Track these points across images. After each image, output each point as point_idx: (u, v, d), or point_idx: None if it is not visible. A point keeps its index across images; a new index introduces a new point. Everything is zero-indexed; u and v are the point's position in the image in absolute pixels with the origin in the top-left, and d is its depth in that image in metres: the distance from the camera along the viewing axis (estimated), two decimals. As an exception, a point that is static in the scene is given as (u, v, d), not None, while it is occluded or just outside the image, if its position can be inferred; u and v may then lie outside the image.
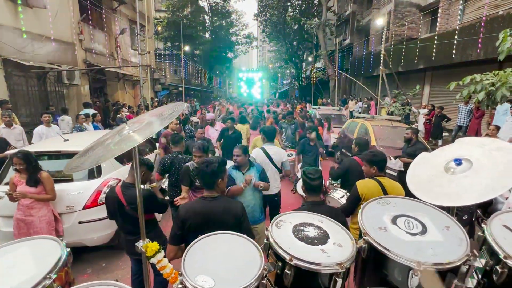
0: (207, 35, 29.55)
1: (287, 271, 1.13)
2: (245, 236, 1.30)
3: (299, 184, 3.58)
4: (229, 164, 3.61)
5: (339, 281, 1.12)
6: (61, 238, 1.27)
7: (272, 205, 3.81)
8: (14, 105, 7.79)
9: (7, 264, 1.09)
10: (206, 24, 29.30)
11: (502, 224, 1.32)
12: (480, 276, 1.29)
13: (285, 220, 1.39)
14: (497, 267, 1.16)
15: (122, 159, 4.32)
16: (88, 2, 11.06)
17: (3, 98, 6.90)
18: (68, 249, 1.26)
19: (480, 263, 1.27)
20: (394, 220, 1.38)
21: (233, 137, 5.92)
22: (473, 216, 3.57)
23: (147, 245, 1.40)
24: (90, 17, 11.33)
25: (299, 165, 5.35)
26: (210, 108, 12.18)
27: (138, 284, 2.82)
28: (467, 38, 9.35)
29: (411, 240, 1.26)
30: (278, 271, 1.19)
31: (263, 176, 3.20)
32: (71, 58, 10.24)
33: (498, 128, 6.13)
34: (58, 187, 3.45)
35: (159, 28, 20.24)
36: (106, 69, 12.03)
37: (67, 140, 4.35)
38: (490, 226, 1.30)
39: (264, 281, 1.10)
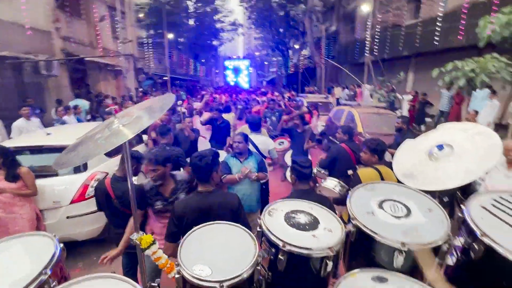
0: (191, 22, 28.73)
1: (280, 257, 1.18)
2: (239, 225, 1.34)
3: (289, 172, 3.63)
4: (221, 154, 3.62)
5: (330, 264, 1.18)
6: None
7: (261, 194, 3.88)
8: (-12, 98, 7.44)
9: (1, 262, 1.09)
10: (190, 11, 28.44)
11: (480, 205, 1.40)
12: (459, 254, 1.38)
13: (277, 208, 1.43)
14: (474, 245, 1.24)
15: (109, 152, 4.26)
16: (64, -13, 10.50)
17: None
18: (62, 245, 1.26)
19: (459, 241, 1.37)
20: (380, 205, 1.45)
21: (222, 126, 5.91)
22: (453, 198, 3.76)
23: (141, 238, 1.41)
24: (66, 4, 10.76)
25: (290, 152, 5.40)
26: (199, 99, 12.04)
27: (129, 276, 2.84)
28: (450, 25, 9.53)
29: (397, 223, 1.33)
30: (272, 257, 1.24)
31: (261, 166, 3.23)
32: (48, 48, 9.77)
33: (477, 112, 6.39)
34: (43, 182, 3.42)
35: (141, 15, 19.49)
36: (86, 58, 11.55)
37: (50, 133, 4.22)
38: (469, 207, 1.38)
39: (258, 267, 1.14)
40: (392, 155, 5.02)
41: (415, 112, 10.25)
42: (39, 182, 3.32)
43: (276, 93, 17.46)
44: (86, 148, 1.14)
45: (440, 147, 1.71)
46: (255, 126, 4.11)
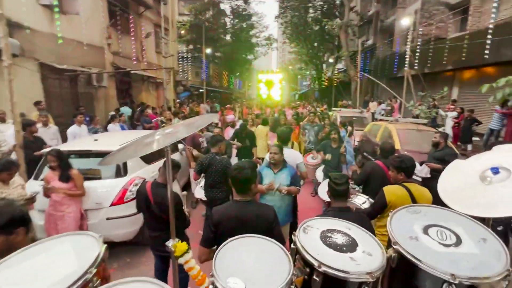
0: (228, 37, 29.92)
1: (315, 278, 1.13)
2: (273, 240, 1.31)
3: (322, 188, 3.53)
4: None
5: (369, 291, 1.10)
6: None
7: None
8: (48, 105, 8.30)
9: (50, 259, 1.17)
10: (227, 27, 29.69)
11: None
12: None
13: (312, 225, 1.39)
14: (540, 284, 1.09)
15: (147, 158, 4.49)
16: (117, 8, 11.57)
17: (39, 99, 7.36)
18: (105, 245, 1.34)
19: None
20: (425, 230, 1.34)
21: (246, 137, 6.03)
22: (509, 227, 3.37)
23: (176, 245, 1.44)
24: (118, 22, 11.85)
25: (322, 167, 5.27)
26: (229, 111, 12.35)
27: (161, 279, 2.92)
28: (502, 38, 8.82)
29: (445, 252, 1.22)
30: (306, 277, 1.19)
31: (294, 179, 3.19)
32: (100, 61, 10.78)
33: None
34: (88, 184, 3.65)
35: (182, 32, 20.77)
36: (132, 71, 12.50)
37: (97, 139, 4.58)
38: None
39: (292, 286, 1.10)
40: (432, 169, 4.67)
41: (460, 130, 9.50)
42: (85, 184, 3.57)
43: (309, 106, 17.29)
44: (130, 150, 1.21)
45: (495, 170, 1.55)
46: (284, 139, 4.09)
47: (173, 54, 14.03)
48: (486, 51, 9.09)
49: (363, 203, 2.86)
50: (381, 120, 9.01)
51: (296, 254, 1.25)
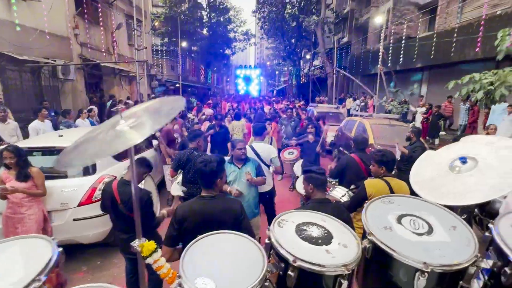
0: (204, 31, 29.31)
1: (290, 273, 1.08)
2: (246, 236, 1.25)
3: (299, 182, 3.54)
4: None
5: (345, 283, 1.07)
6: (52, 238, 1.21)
7: (265, 203, 3.78)
8: (7, 99, 7.64)
9: (-5, 265, 1.03)
10: (204, 20, 29.06)
11: (510, 224, 1.28)
12: (486, 278, 1.26)
13: (287, 219, 1.34)
14: (506, 269, 1.12)
15: (118, 155, 4.26)
16: (84, -5, 10.87)
17: (-5, 93, 6.76)
18: (60, 249, 1.20)
19: (487, 264, 1.24)
20: (399, 220, 1.34)
21: (221, 132, 5.97)
22: (472, 215, 3.56)
23: (143, 244, 1.34)
24: (85, 11, 11.12)
25: (300, 161, 5.31)
26: (206, 106, 12.14)
27: (132, 283, 2.78)
28: (466, 37, 9.36)
29: (418, 240, 1.22)
30: (281, 272, 1.14)
31: (259, 171, 3.21)
32: (66, 53, 10.06)
33: (496, 128, 6.16)
34: (52, 183, 3.42)
35: (156, 24, 20.02)
36: (102, 64, 11.85)
37: (62, 135, 4.27)
38: (498, 226, 1.26)
39: (267, 283, 1.05)
40: (401, 155, 4.91)
41: (428, 125, 10.00)
42: (48, 183, 3.33)
43: (286, 102, 17.42)
44: (90, 149, 1.08)
45: (463, 159, 1.60)
46: (258, 133, 4.08)
47: (147, 46, 13.46)
48: (452, 50, 9.61)
49: (343, 196, 2.90)
50: (355, 115, 9.26)
51: (271, 249, 1.20)
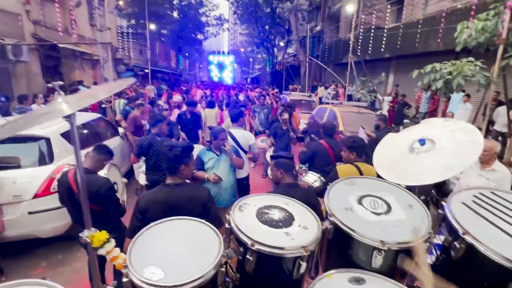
0: (175, 14, 27.96)
1: (248, 257, 1.05)
2: (203, 221, 1.19)
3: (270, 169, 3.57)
4: (196, 148, 3.51)
5: (303, 264, 1.07)
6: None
7: (241, 189, 3.78)
8: None
9: None
10: (174, 2, 27.66)
11: (461, 202, 1.35)
12: (438, 252, 1.32)
13: (249, 203, 1.30)
14: (455, 243, 1.17)
15: (81, 143, 3.99)
16: (35, -33, 9.78)
17: None
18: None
19: (439, 239, 1.30)
20: (360, 200, 1.36)
21: (192, 119, 5.83)
22: (428, 196, 3.81)
23: (93, 235, 1.23)
24: (38, -15, 10.07)
25: (271, 149, 5.32)
26: (175, 93, 11.71)
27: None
28: (429, 29, 9.79)
29: (376, 220, 1.24)
30: (240, 257, 1.11)
31: (236, 155, 3.20)
32: (16, 31, 9.07)
33: (453, 115, 6.62)
34: (2, 174, 3.18)
35: (121, 3, 18.68)
36: (60, 45, 10.87)
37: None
38: (450, 203, 1.32)
39: (223, 269, 1.01)
40: (369, 139, 5.19)
41: (394, 113, 10.48)
42: None
43: (258, 89, 17.35)
44: (16, 123, 0.95)
45: (422, 141, 1.65)
46: (236, 119, 4.02)
47: (110, 27, 12.52)
48: (417, 41, 10.03)
49: (315, 181, 2.95)
50: (327, 103, 9.46)
51: (231, 234, 1.16)
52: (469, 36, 5.14)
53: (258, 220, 1.19)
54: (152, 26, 20.37)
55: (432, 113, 9.46)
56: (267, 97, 10.49)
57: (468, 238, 1.13)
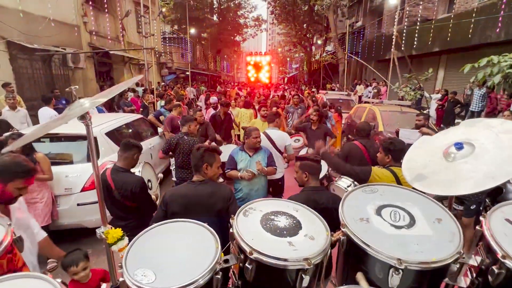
0: (214, 17, 28.88)
1: (247, 265, 1.00)
2: (204, 225, 1.17)
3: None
4: (229, 148, 3.55)
5: (306, 278, 0.98)
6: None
7: (275, 190, 3.74)
8: (19, 88, 7.82)
9: None
10: (214, 6, 28.58)
11: (504, 218, 1.14)
12: (474, 275, 1.13)
13: (255, 208, 1.25)
14: (494, 267, 0.99)
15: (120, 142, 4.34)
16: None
17: (7, 81, 6.91)
18: (19, 235, 1.17)
19: (475, 261, 1.12)
20: (379, 211, 1.22)
21: (225, 119, 5.94)
22: (481, 206, 3.36)
23: (108, 231, 1.29)
24: (93, -1, 11.14)
25: (306, 150, 5.18)
26: (212, 93, 12.06)
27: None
28: (486, 17, 8.70)
29: (395, 234, 1.10)
30: (241, 264, 1.07)
31: (270, 160, 3.13)
32: (75, 41, 10.16)
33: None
34: (57, 169, 3.52)
35: (164, 10, 19.84)
36: (111, 52, 11.91)
37: (67, 122, 4.32)
38: (490, 219, 1.12)
39: (218, 276, 0.97)
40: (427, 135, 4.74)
41: (444, 112, 9.52)
42: (55, 169, 3.43)
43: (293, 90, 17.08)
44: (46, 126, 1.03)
45: (459, 145, 1.44)
46: (272, 120, 3.98)
47: (154, 34, 13.38)
48: (470, 32, 8.98)
49: (348, 186, 2.77)
50: (366, 102, 8.96)
51: (233, 239, 1.12)
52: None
53: (262, 227, 1.13)
54: (193, 30, 21.28)
55: (489, 114, 8.37)
56: (301, 96, 10.27)
57: (509, 263, 0.94)
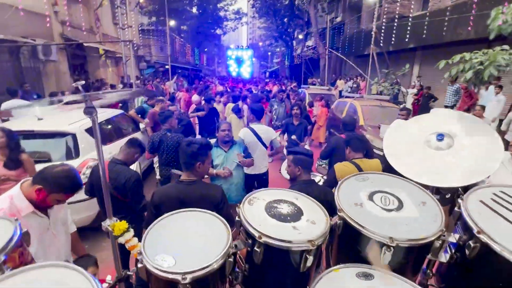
0: (194, 9, 28.25)
1: (256, 249, 1.08)
2: (214, 213, 1.24)
3: (284, 166, 3.55)
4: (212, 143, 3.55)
5: (310, 258, 1.08)
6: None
7: (260, 184, 3.82)
8: (-16, 82, 7.33)
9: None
10: (193, -2, 27.93)
11: (478, 200, 1.30)
12: (453, 251, 1.28)
13: (259, 197, 1.33)
14: (470, 242, 1.14)
15: (103, 138, 4.17)
16: (62, -31, 10.22)
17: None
18: (25, 229, 1.18)
19: (453, 238, 1.26)
20: (371, 196, 1.35)
21: (209, 114, 5.91)
22: (455, 195, 3.64)
23: (114, 224, 1.32)
24: (65, -13, 10.53)
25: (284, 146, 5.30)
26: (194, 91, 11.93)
27: (122, 264, 2.80)
28: (458, 16, 9.21)
29: (386, 216, 1.23)
30: (249, 249, 1.15)
31: (246, 153, 3.18)
32: (46, 32, 9.57)
33: (483, 108, 6.19)
34: (36, 168, 3.35)
35: (142, 1, 19.15)
36: (86, 44, 11.37)
37: (42, 118, 4.13)
38: (467, 201, 1.27)
39: (231, 259, 1.05)
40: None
41: (419, 106, 10.03)
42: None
43: (276, 84, 17.22)
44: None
45: (441, 136, 1.59)
46: (259, 115, 4.03)
47: (132, 25, 12.91)
48: (444, 30, 9.47)
49: (318, 181, 2.91)
50: (347, 97, 9.23)
51: (240, 226, 1.20)
52: (504, 22, 4.76)
53: (267, 213, 1.22)
54: (172, 23, 20.74)
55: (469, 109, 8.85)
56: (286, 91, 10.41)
57: (483, 237, 1.09)
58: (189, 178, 1.89)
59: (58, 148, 3.79)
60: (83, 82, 1.23)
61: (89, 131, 4.01)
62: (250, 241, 1.13)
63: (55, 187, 1.56)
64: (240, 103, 7.06)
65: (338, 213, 1.25)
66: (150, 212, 1.81)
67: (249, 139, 3.65)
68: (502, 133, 6.41)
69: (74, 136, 3.77)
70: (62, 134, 3.75)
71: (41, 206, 1.60)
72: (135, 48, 15.93)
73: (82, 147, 3.78)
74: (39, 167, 3.39)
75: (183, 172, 1.94)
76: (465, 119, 1.63)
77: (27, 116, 5.33)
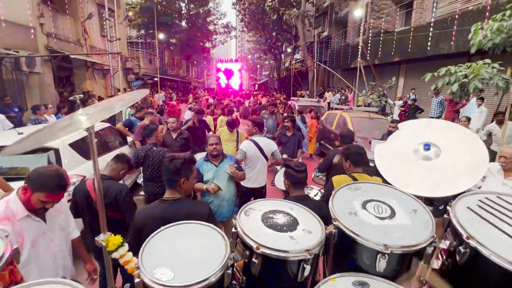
0: (183, 23, 28.61)
1: (254, 260, 1.08)
2: (211, 225, 1.24)
3: (278, 177, 3.54)
4: (199, 156, 3.47)
5: (307, 268, 1.09)
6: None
7: (259, 198, 3.76)
8: (-36, 94, 7.09)
9: None
10: (182, 12, 28.33)
11: (466, 206, 1.35)
12: (444, 257, 1.32)
13: (255, 208, 1.34)
14: (460, 248, 1.18)
15: (86, 154, 4.03)
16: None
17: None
18: (15, 246, 1.14)
19: (444, 244, 1.30)
20: (364, 205, 1.38)
21: (199, 126, 5.86)
22: (448, 205, 3.71)
23: (108, 239, 1.30)
24: (51, -1, 10.47)
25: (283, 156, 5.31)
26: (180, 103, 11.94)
27: (106, 282, 2.69)
28: (440, 31, 9.68)
29: (380, 224, 1.26)
30: (246, 260, 1.15)
31: (238, 167, 3.11)
32: (30, 44, 9.37)
33: (469, 119, 6.43)
34: (13, 185, 3.11)
35: (130, 13, 19.25)
36: (72, 56, 11.23)
37: (22, 133, 3.97)
38: (455, 208, 1.32)
39: (229, 271, 1.05)
40: None
41: (406, 118, 10.34)
42: (12, 185, 3.09)
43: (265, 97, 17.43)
44: (39, 135, 1.03)
45: (427, 146, 1.66)
46: (261, 127, 4.01)
47: (121, 38, 12.89)
48: (428, 44, 9.91)
49: (315, 195, 2.90)
50: (336, 109, 9.43)
51: (237, 237, 1.20)
52: (484, 38, 5.01)
53: (263, 224, 1.23)
54: (161, 36, 20.87)
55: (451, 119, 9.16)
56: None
57: (472, 243, 1.13)
58: (173, 196, 1.77)
59: (39, 164, 3.60)
60: (81, 95, 1.22)
61: (73, 145, 3.87)
62: (247, 252, 1.13)
63: (37, 186, 1.54)
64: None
65: (333, 222, 1.28)
66: (132, 234, 1.69)
67: (252, 151, 3.61)
68: (486, 143, 6.65)
69: (57, 151, 3.60)
70: (44, 149, 3.55)
71: (32, 208, 1.58)
72: (123, 60, 15.87)
73: (65, 163, 3.60)
74: (17, 184, 3.26)
75: (166, 189, 1.82)
76: (451, 127, 1.71)
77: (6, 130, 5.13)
